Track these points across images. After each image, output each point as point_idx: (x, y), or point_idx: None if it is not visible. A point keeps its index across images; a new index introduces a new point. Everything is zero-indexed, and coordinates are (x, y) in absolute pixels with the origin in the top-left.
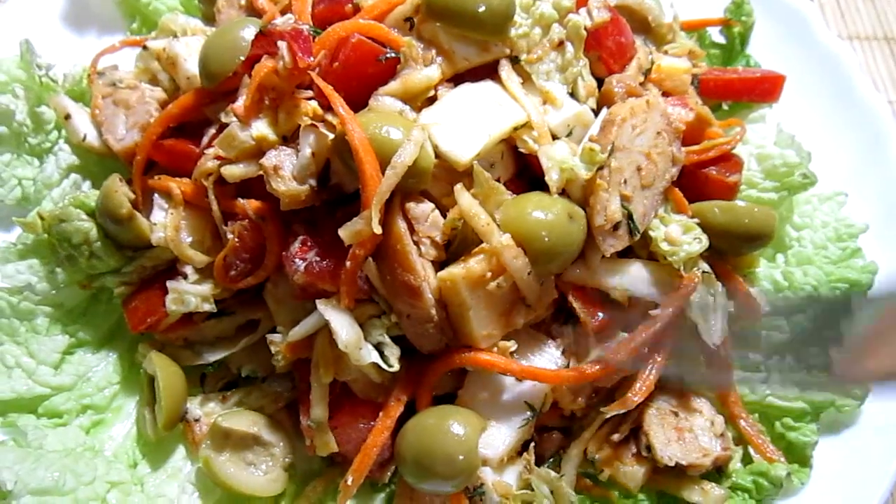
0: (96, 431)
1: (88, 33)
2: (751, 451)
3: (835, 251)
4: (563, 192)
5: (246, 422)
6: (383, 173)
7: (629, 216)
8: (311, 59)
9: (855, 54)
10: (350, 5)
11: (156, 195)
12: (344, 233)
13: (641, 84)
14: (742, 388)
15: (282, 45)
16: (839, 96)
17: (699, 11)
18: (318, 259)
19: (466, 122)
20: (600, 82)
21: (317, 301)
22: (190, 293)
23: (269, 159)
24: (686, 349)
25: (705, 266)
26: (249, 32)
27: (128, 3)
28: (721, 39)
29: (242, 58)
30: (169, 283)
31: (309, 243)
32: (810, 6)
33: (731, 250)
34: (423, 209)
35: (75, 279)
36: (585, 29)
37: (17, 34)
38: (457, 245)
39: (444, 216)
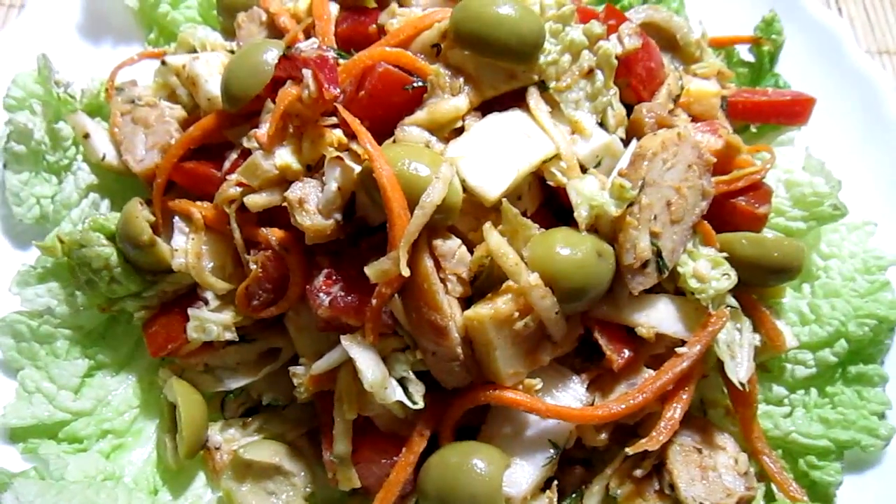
0: (116, 456)
1: (104, 44)
2: (774, 488)
3: (863, 283)
4: (592, 226)
5: (267, 452)
6: (411, 210)
7: (658, 253)
8: (337, 89)
9: (886, 72)
10: (374, 26)
11: (176, 218)
12: (370, 272)
13: (671, 111)
14: (765, 423)
15: (307, 73)
16: (870, 119)
17: (728, 29)
18: (342, 294)
19: (495, 156)
20: (629, 108)
21: (341, 338)
22: (211, 321)
23: (294, 192)
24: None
25: (732, 301)
26: (272, 56)
27: (145, 13)
28: (749, 57)
29: (265, 82)
30: (190, 311)
31: (334, 277)
32: (842, 24)
33: (758, 282)
34: (451, 246)
35: (95, 302)
36: (617, 57)
37: (33, 47)
38: (483, 280)
39: (471, 250)
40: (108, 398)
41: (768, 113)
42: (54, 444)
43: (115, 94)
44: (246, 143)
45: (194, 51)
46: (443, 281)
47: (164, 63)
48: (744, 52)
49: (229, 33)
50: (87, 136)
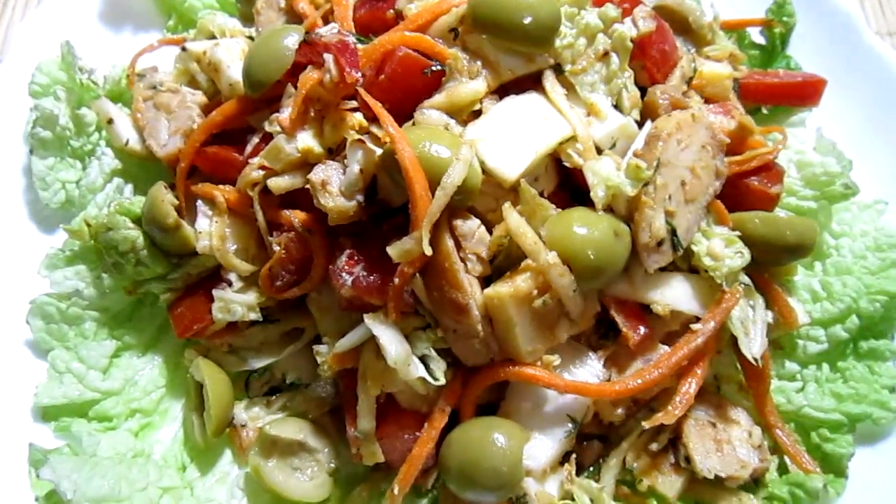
0: (144, 435)
1: (124, 31)
2: (787, 460)
3: (874, 261)
4: (608, 206)
5: (292, 429)
6: (432, 192)
7: (673, 232)
8: (359, 73)
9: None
10: (392, 11)
11: (199, 202)
12: (393, 251)
13: (684, 93)
14: (778, 398)
15: (328, 58)
16: (881, 99)
17: (740, 11)
18: (364, 273)
19: (513, 138)
20: (643, 91)
21: (364, 316)
22: (236, 302)
23: (317, 174)
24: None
25: (745, 279)
26: (293, 41)
27: (163, 0)
28: (761, 40)
29: (286, 67)
30: (215, 292)
31: (356, 257)
32: (853, 5)
33: (771, 261)
34: (471, 226)
35: (121, 285)
36: (632, 40)
37: (55, 34)
38: (501, 259)
39: (489, 231)
40: (135, 378)
41: (780, 94)
42: (85, 423)
43: (136, 81)
44: (268, 128)
45: (214, 37)
46: (463, 260)
47: (184, 49)
48: (755, 35)
49: (248, 19)
50: (110, 121)
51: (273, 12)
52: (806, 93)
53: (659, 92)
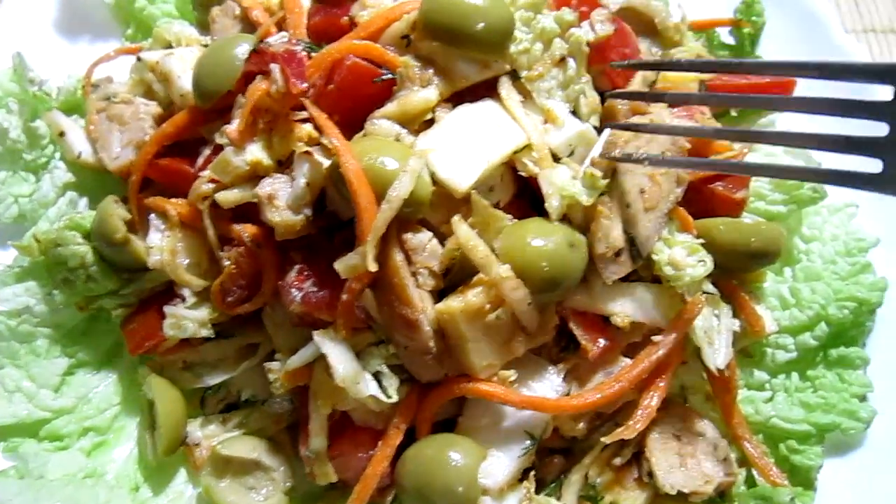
0: (98, 454)
1: (81, 40)
2: (755, 473)
3: (844, 266)
4: (565, 216)
5: (246, 447)
6: (379, 204)
7: (632, 241)
8: (305, 84)
9: (867, 50)
10: (346, 17)
11: (152, 216)
12: (340, 267)
13: None
14: (746, 408)
15: (274, 68)
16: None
17: (708, 11)
18: (314, 289)
19: (465, 148)
20: (603, 95)
21: (314, 333)
22: (187, 318)
23: (264, 188)
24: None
25: (710, 287)
26: (243, 50)
27: (122, 8)
28: (731, 40)
29: (236, 77)
30: (166, 308)
31: (306, 272)
32: (823, 4)
33: (737, 268)
34: (421, 239)
35: (73, 301)
36: (588, 44)
37: (9, 45)
38: (455, 272)
39: (443, 243)
40: (89, 396)
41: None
42: (35, 443)
43: (91, 92)
44: (218, 139)
45: (170, 46)
46: (414, 274)
47: (139, 59)
48: (725, 35)
49: (205, 28)
50: (62, 134)
51: (228, 20)
52: (775, 94)
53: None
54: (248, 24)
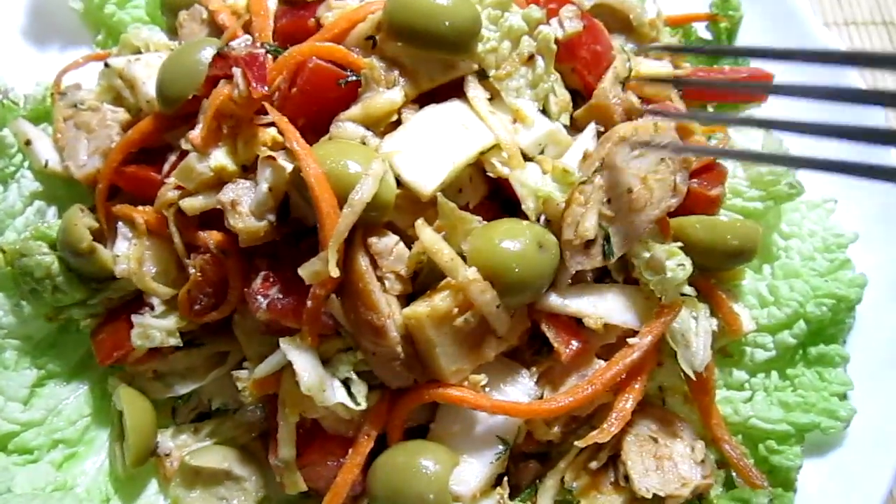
0: (68, 466)
1: (51, 47)
2: (734, 474)
3: (823, 263)
4: (541, 217)
5: (216, 458)
6: (342, 209)
7: (606, 237)
8: (266, 88)
9: (848, 43)
10: (313, 20)
11: (120, 224)
12: (303, 273)
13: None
14: (725, 409)
15: (236, 72)
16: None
17: (684, 6)
18: (280, 296)
19: (430, 150)
20: (574, 94)
21: (280, 341)
22: (155, 328)
23: (227, 194)
24: None
25: (688, 289)
26: (207, 54)
27: (92, 14)
28: (708, 35)
29: (200, 82)
30: (134, 318)
31: (271, 279)
32: None
33: (713, 266)
34: (387, 243)
35: (41, 312)
36: (557, 41)
37: None
38: (424, 276)
39: (410, 247)
40: (59, 408)
41: (725, 91)
42: (3, 456)
43: (58, 99)
44: (183, 145)
45: (139, 52)
46: (380, 279)
47: (107, 65)
48: (702, 31)
49: (174, 33)
50: (28, 142)
51: (196, 25)
52: (752, 88)
53: (611, 96)
54: (216, 28)
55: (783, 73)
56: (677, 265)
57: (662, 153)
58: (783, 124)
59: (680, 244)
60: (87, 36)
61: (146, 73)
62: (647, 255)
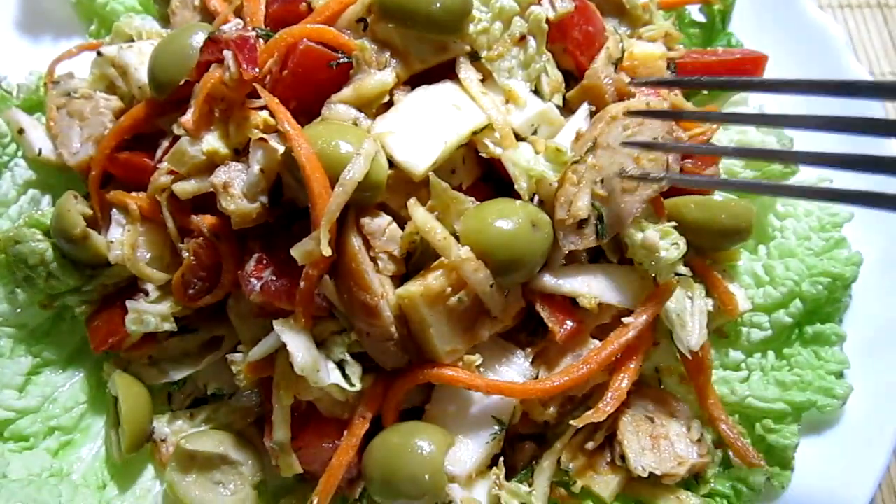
0: (64, 453)
1: (44, 38)
2: (731, 454)
3: (818, 242)
4: (536, 197)
5: (211, 442)
6: (334, 189)
7: (599, 217)
8: (257, 70)
9: (843, 26)
10: (305, 4)
11: (114, 210)
12: (296, 253)
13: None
14: (722, 389)
15: (227, 54)
16: (824, 74)
17: None
18: (273, 278)
19: (422, 130)
20: (567, 75)
21: (273, 322)
22: (149, 313)
23: (219, 176)
24: None
25: (683, 269)
26: (198, 39)
27: (84, 4)
28: (701, 18)
29: (191, 67)
30: (128, 303)
31: (264, 261)
32: None
33: (708, 246)
34: (379, 223)
35: (36, 300)
36: (548, 21)
37: None
38: (418, 256)
39: (403, 227)
40: (54, 395)
41: (719, 73)
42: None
43: (51, 88)
44: (175, 131)
45: (131, 40)
46: (373, 259)
47: (100, 54)
48: (695, 13)
49: (167, 21)
50: (21, 131)
51: (188, 12)
52: (745, 69)
53: (603, 76)
54: (208, 15)
55: (777, 54)
56: (671, 244)
57: (627, 148)
58: (775, 119)
59: (674, 224)
60: (80, 26)
61: (138, 60)
62: (640, 235)
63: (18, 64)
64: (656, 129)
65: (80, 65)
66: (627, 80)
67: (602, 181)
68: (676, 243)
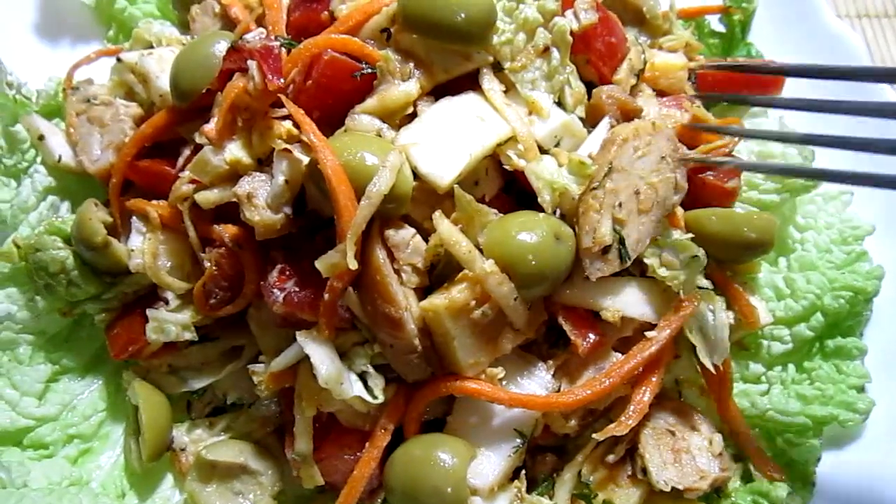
0: (84, 461)
1: (62, 43)
2: (751, 467)
3: (839, 255)
4: (557, 209)
5: (232, 452)
6: (359, 201)
7: (621, 241)
8: (282, 80)
9: (861, 36)
10: (326, 13)
11: (134, 218)
12: (320, 265)
13: (634, 86)
14: (742, 402)
15: (252, 64)
16: (845, 85)
17: None
18: (296, 289)
19: (447, 142)
20: (590, 86)
21: (297, 334)
22: (170, 322)
23: (243, 187)
24: None
25: (704, 282)
26: (221, 48)
27: (102, 10)
28: (721, 28)
29: (214, 75)
30: (149, 312)
31: (287, 272)
32: None
33: (730, 259)
34: (404, 236)
35: (55, 307)
36: (572, 33)
37: None
38: (441, 268)
39: (427, 240)
40: (73, 403)
41: (739, 84)
42: (18, 451)
43: (70, 94)
44: (197, 139)
45: (151, 46)
46: (397, 272)
47: (119, 60)
48: (715, 23)
49: (186, 27)
50: (41, 138)
51: (208, 18)
52: (766, 80)
53: (604, 95)
54: (228, 22)
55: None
56: (691, 258)
57: (640, 170)
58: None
59: (691, 236)
60: (99, 31)
61: (159, 68)
62: (660, 253)
63: (37, 69)
64: (663, 147)
65: (99, 70)
66: (649, 90)
67: (620, 205)
68: (696, 255)
